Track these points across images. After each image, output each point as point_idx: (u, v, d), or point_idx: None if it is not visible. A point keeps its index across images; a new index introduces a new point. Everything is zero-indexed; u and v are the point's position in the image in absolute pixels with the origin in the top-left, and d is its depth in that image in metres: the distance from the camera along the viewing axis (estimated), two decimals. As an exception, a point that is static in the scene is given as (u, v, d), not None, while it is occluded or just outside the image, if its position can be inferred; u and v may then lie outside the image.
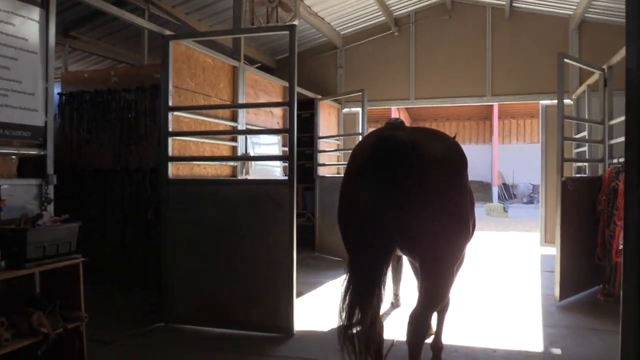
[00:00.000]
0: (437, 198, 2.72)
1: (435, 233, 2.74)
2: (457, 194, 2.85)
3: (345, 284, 2.73)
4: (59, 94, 6.02)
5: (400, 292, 5.14)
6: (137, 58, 7.70)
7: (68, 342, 3.18)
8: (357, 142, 8.02)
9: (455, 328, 4.42)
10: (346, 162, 8.33)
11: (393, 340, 3.50)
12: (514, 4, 8.52)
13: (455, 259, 2.94)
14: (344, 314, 2.67)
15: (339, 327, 2.70)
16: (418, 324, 2.86)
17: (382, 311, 3.14)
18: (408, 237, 2.75)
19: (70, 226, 3.28)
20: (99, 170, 5.85)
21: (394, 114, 22.48)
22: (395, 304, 5.14)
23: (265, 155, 7.12)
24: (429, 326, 3.09)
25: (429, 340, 3.65)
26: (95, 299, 3.83)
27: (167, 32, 5.17)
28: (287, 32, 4.42)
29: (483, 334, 4.34)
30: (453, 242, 2.88)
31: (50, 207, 3.56)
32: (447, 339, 4.18)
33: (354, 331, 2.66)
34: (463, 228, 2.91)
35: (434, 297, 2.95)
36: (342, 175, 3.19)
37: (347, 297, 2.68)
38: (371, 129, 4.80)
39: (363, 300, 2.65)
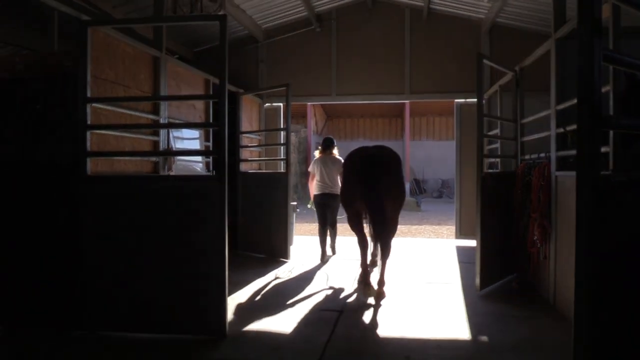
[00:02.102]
0: (394, 177, 5.50)
1: (395, 191, 5.47)
2: (400, 177, 5.67)
3: (353, 223, 5.78)
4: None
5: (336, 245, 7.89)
6: (42, 44, 7.05)
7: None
8: (281, 138, 8.19)
9: (388, 320, 4.52)
10: (268, 157, 8.37)
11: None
12: (431, 6, 8.82)
13: (400, 206, 5.65)
14: (360, 234, 5.76)
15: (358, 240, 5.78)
16: (387, 242, 5.39)
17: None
18: (385, 192, 5.29)
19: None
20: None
21: (309, 110, 22.67)
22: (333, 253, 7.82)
23: (192, 150, 6.83)
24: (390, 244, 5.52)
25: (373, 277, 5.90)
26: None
27: (85, 17, 4.79)
28: (215, 22, 4.25)
29: (414, 325, 4.45)
30: (400, 197, 5.63)
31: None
32: (380, 333, 4.26)
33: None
34: (403, 193, 5.73)
35: (392, 228, 5.56)
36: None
37: (358, 229, 5.77)
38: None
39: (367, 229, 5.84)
